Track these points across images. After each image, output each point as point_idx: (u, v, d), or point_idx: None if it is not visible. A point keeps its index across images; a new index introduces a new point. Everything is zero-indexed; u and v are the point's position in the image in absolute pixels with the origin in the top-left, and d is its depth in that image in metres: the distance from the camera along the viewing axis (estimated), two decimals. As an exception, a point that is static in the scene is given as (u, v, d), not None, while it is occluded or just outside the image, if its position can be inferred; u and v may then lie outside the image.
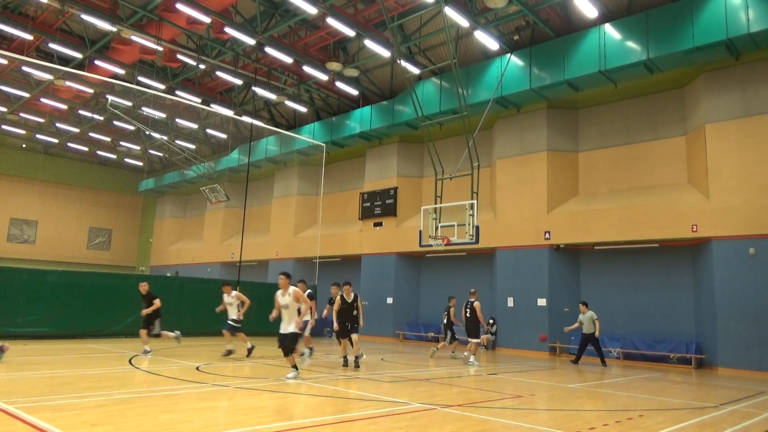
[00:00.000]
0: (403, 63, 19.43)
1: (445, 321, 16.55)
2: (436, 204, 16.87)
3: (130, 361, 11.78)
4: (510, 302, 18.81)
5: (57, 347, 14.44)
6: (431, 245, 16.42)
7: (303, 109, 26.66)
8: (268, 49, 20.31)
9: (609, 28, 16.66)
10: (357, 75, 23.10)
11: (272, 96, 24.76)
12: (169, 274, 32.21)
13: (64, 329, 16.94)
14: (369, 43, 19.15)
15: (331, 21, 17.93)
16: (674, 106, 17.55)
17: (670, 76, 17.09)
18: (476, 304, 14.36)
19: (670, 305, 17.02)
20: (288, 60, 21.11)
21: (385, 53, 19.80)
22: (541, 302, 18.41)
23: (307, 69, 21.91)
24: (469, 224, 15.45)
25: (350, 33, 18.76)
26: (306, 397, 8.10)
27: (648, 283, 17.57)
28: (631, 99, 18.44)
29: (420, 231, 17.17)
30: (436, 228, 16.27)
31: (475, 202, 15.67)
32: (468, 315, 14.42)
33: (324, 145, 24.98)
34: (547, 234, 18.65)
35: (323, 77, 22.46)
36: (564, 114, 19.59)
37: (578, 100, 19.40)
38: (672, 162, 17.32)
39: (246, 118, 26.55)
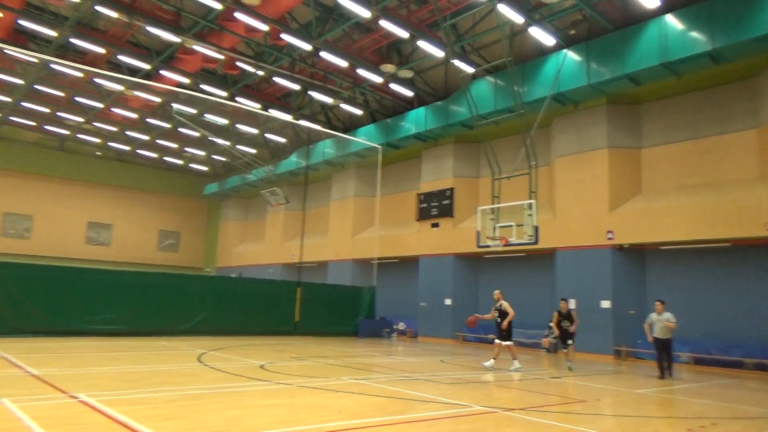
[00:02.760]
0: (457, 62, 19.37)
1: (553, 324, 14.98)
2: (493, 204, 16.72)
3: (199, 359, 12.28)
4: (572, 304, 18.36)
5: (131, 344, 15.22)
6: (489, 246, 16.28)
7: (358, 112, 26.97)
8: (324, 54, 20.68)
9: (671, 18, 16.00)
10: (411, 76, 23.17)
11: (328, 100, 25.18)
12: (233, 275, 33.31)
13: (137, 327, 17.83)
14: (422, 44, 19.17)
15: (384, 23, 18.07)
16: (744, 98, 16.64)
17: (738, 66, 16.21)
18: (504, 304, 13.58)
19: (743, 307, 16.16)
20: (343, 63, 21.42)
21: (439, 53, 19.76)
22: (605, 304, 17.88)
23: (361, 72, 22.16)
24: (527, 224, 15.23)
25: (404, 34, 18.84)
26: (366, 397, 8.22)
27: (719, 285, 16.75)
28: (696, 92, 17.64)
29: (477, 232, 17.05)
30: (494, 228, 16.11)
31: (533, 201, 15.43)
32: (498, 317, 13.66)
33: (380, 147, 25.19)
34: (609, 234, 18.09)
35: (378, 79, 22.66)
36: (625, 109, 18.95)
37: (640, 95, 18.72)
38: (743, 156, 16.44)
39: (303, 122, 27.12)
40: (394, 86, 23.36)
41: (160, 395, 7.56)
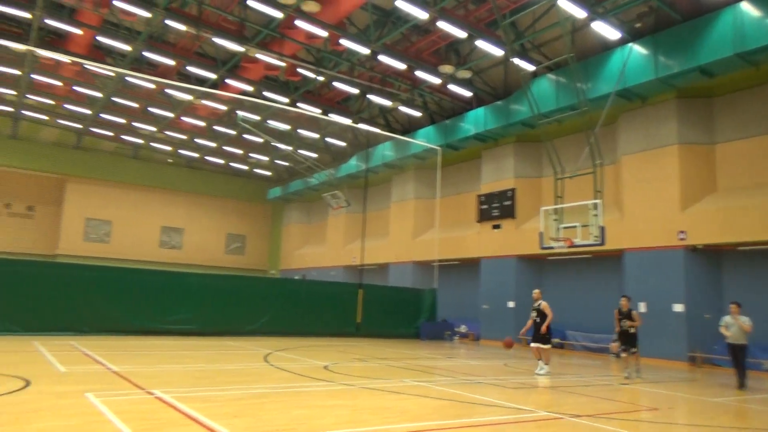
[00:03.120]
0: (517, 61, 19.05)
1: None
2: (556, 204, 16.33)
3: (265, 359, 12.65)
4: (642, 307, 17.64)
5: (201, 343, 15.86)
6: (553, 247, 15.91)
7: (417, 114, 27.00)
8: (382, 57, 20.85)
9: (746, 6, 15.10)
10: (470, 76, 22.98)
11: (387, 102, 25.35)
12: (297, 278, 34.07)
13: (206, 327, 18.56)
14: (481, 44, 18.98)
15: (442, 24, 18.02)
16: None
17: (824, 53, 15.11)
18: (543, 304, 12.89)
19: (834, 311, 15.03)
20: (401, 66, 21.52)
21: (498, 52, 19.51)
22: (678, 308, 17.08)
23: (419, 74, 22.19)
24: (593, 225, 14.79)
25: (462, 35, 18.72)
26: (428, 399, 8.22)
27: (806, 287, 15.65)
28: (776, 82, 16.57)
29: (540, 233, 16.70)
30: (558, 229, 15.74)
31: (599, 201, 14.97)
32: (537, 317, 12.92)
33: (439, 148, 25.11)
34: (681, 234, 17.27)
35: (436, 81, 22.62)
36: (696, 103, 18.05)
37: (712, 88, 17.77)
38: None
39: (363, 126, 27.42)
40: (452, 87, 23.25)
41: (228, 393, 7.86)
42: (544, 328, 12.61)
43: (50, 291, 16.33)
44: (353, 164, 32.23)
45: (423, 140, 26.17)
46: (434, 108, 27.20)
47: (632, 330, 12.67)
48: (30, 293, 16.01)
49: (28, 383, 7.79)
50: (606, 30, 17.30)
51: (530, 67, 20.25)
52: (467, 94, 24.01)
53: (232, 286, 20.32)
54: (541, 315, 12.83)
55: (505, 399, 8.71)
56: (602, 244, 14.90)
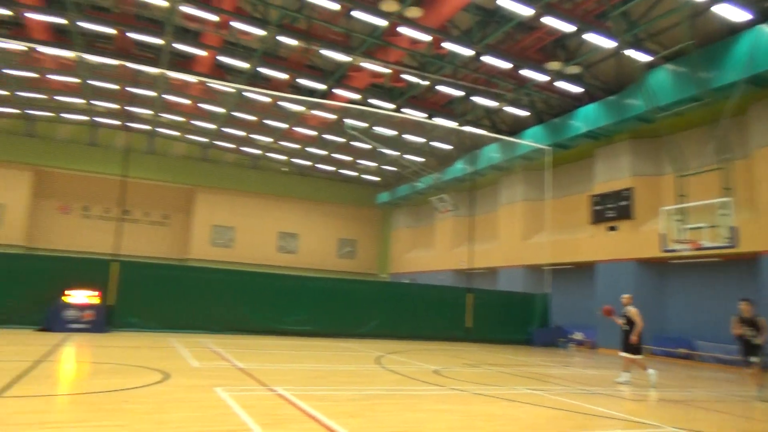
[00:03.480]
0: (630, 52, 17.99)
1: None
2: (679, 204, 15.23)
3: (377, 361, 12.97)
4: (782, 315, 15.92)
5: (316, 344, 16.58)
6: (676, 250, 14.86)
7: (524, 113, 26.35)
8: (485, 58, 20.62)
9: None
10: (579, 71, 22.05)
11: (492, 103, 24.99)
12: (406, 281, 34.53)
13: (321, 328, 19.38)
14: (590, 37, 18.18)
15: (547, 20, 17.49)
16: None
17: None
18: (632, 311, 11.78)
19: None
20: (506, 66, 21.14)
21: (609, 44, 18.57)
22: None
23: (525, 72, 21.67)
24: (722, 225, 13.63)
25: (569, 29, 18.05)
26: (542, 408, 8.03)
27: None
28: None
29: (662, 235, 15.65)
30: (682, 231, 14.67)
31: (729, 199, 13.76)
32: (626, 325, 11.85)
33: (548, 148, 24.32)
34: (831, 233, 15.40)
35: (543, 78, 21.96)
36: None
37: None
38: None
39: (468, 128, 27.23)
40: (560, 84, 22.44)
41: (342, 393, 8.18)
42: (634, 337, 11.63)
43: (183, 292, 17.94)
44: (459, 167, 32.08)
45: (531, 140, 25.48)
46: (542, 106, 26.40)
47: (757, 341, 10.80)
48: (166, 294, 17.69)
49: (166, 376, 8.61)
50: (731, 12, 15.87)
51: (645, 58, 19.05)
52: (577, 90, 23.07)
53: (345, 290, 21.07)
54: (630, 322, 11.81)
55: (626, 412, 8.28)
56: (734, 246, 13.68)
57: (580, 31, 18.40)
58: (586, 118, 22.85)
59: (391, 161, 36.36)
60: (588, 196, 24.50)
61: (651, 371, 11.52)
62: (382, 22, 19.06)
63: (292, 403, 7.07)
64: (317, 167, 40.65)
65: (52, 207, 35.35)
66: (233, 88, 24.88)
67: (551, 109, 26.06)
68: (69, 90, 28.54)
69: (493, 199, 31.81)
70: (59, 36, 22.23)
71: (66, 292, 15.94)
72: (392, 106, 26.20)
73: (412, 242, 40.81)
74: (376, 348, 16.51)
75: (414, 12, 18.44)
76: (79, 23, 20.70)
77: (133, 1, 19.95)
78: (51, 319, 15.66)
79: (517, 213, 28.73)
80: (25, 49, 23.04)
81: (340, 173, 41.86)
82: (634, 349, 11.71)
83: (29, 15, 20.25)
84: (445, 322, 21.93)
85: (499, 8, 18.77)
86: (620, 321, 12.09)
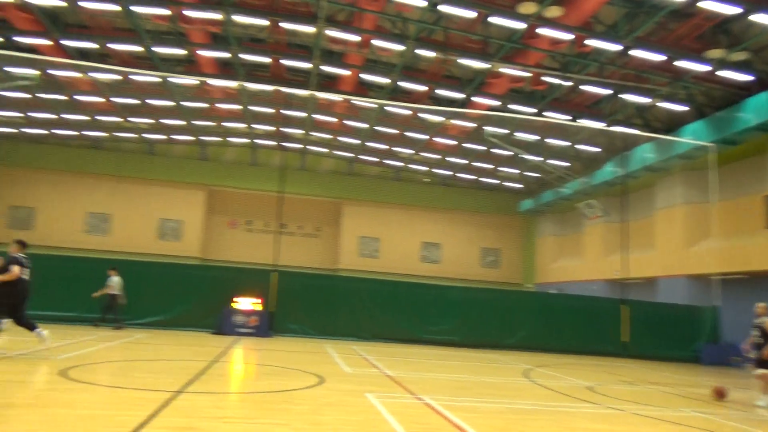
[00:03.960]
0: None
1: None
2: None
3: (525, 374, 12.64)
4: None
5: (462, 354, 16.57)
6: None
7: (681, 109, 24.12)
8: (635, 52, 19.29)
9: None
10: (747, 57, 19.69)
11: (644, 100, 23.24)
12: (553, 291, 33.20)
13: (466, 338, 19.37)
14: (758, 18, 16.20)
15: (705, 4, 15.94)
16: None
17: None
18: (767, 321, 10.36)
19: None
20: (658, 58, 19.56)
21: (787, 24, 16.40)
22: None
23: (681, 64, 19.89)
24: None
25: (733, 11, 16.25)
26: (711, 432, 7.28)
27: None
28: None
29: None
30: None
31: None
32: (761, 337, 10.46)
33: (711, 145, 21.99)
34: None
35: (703, 68, 19.96)
36: None
37: None
38: None
39: (617, 128, 25.56)
40: (724, 73, 20.22)
41: (491, 406, 8.10)
42: (766, 352, 10.18)
43: (335, 300, 19.07)
44: (609, 170, 30.17)
45: (691, 137, 23.23)
46: (702, 100, 23.97)
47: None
48: (320, 302, 18.91)
49: (321, 380, 9.18)
50: None
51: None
52: (745, 78, 20.62)
53: (490, 300, 20.85)
54: (765, 335, 10.48)
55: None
56: None
57: (745, 13, 16.50)
58: (758, 109, 20.32)
59: (533, 167, 35.27)
60: (763, 197, 21.71)
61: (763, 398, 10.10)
62: (521, 25, 18.69)
63: (440, 413, 7.16)
64: (458, 176, 40.69)
65: (221, 222, 39.33)
66: (375, 103, 25.90)
67: (713, 101, 23.56)
68: (233, 116, 31.72)
69: (648, 203, 29.44)
70: (224, 68, 24.87)
71: (234, 299, 17.67)
72: (533, 110, 25.47)
73: (559, 251, 39.10)
74: (523, 360, 16.07)
75: (554, 11, 17.84)
76: (241, 55, 23.00)
77: (285, 30, 21.66)
78: (222, 323, 17.44)
79: (676, 218, 26.31)
80: (197, 82, 26.10)
81: (482, 181, 41.48)
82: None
83: (200, 52, 22.92)
84: (597, 336, 20.70)
85: (649, -2, 17.51)
86: (753, 334, 10.87)
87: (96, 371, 8.86)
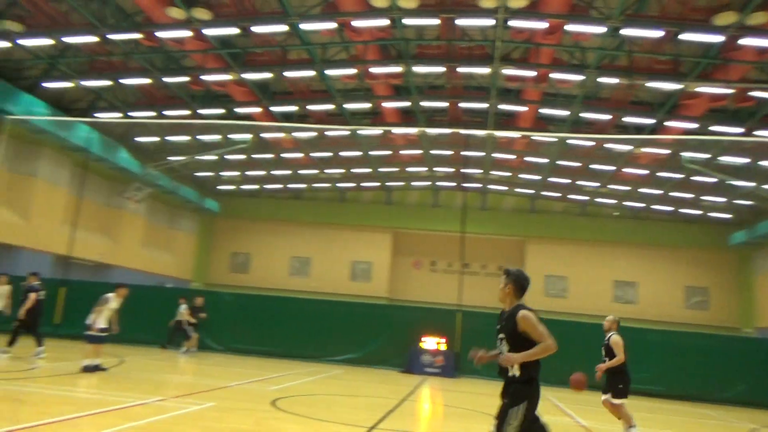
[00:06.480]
0: None
1: None
2: None
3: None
4: None
5: (667, 407, 14.90)
6: None
7: None
8: None
9: None
10: None
11: None
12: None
13: (671, 389, 17.37)
14: None
15: None
16: None
17: None
18: (614, 338, 8.96)
19: None
20: None
21: None
22: None
23: None
24: None
25: None
26: None
27: None
28: None
29: None
30: None
31: None
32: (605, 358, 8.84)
33: None
34: None
35: None
36: None
37: None
38: None
39: None
40: None
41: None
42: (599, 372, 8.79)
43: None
44: None
45: None
46: None
47: None
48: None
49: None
50: None
51: None
52: None
53: (700, 346, 18.53)
54: (609, 353, 8.91)
55: None
56: None
57: None
58: None
59: (745, 194, 30.96)
60: None
61: None
62: (719, 38, 16.94)
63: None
64: (653, 208, 37.32)
65: (407, 263, 40.90)
66: (556, 137, 25.22)
67: None
68: (415, 161, 33.25)
69: None
70: (405, 116, 26.36)
71: (422, 339, 18.17)
72: (740, 130, 22.60)
73: (788, 288, 33.39)
74: (745, 418, 13.93)
75: (759, 18, 15.85)
76: (421, 103, 24.24)
77: (461, 74, 22.34)
78: (411, 362, 18.00)
79: None
80: (382, 132, 27.99)
81: (681, 213, 37.48)
82: (616, 389, 9.27)
83: (384, 104, 24.67)
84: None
85: None
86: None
87: (301, 403, 9.77)
